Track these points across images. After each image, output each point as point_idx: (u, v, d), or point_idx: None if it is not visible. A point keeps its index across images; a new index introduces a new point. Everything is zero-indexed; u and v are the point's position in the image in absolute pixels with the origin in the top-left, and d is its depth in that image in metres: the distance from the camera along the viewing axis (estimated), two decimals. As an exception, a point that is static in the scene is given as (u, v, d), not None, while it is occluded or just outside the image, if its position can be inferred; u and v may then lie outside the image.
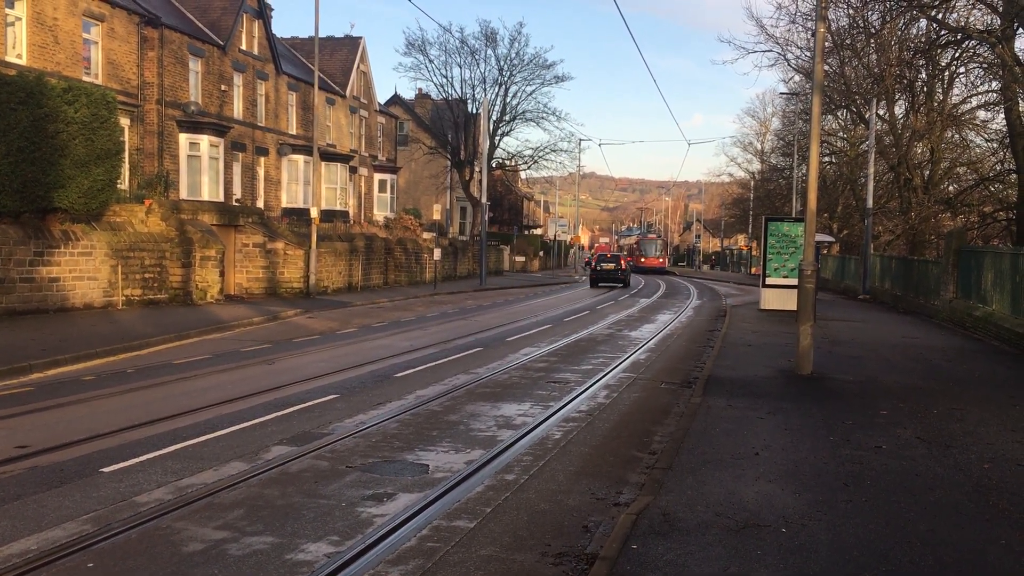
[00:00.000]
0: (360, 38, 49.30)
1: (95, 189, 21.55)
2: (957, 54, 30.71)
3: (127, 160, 27.96)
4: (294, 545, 6.43)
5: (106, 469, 8.27)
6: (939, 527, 6.71)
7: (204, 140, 31.99)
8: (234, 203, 33.59)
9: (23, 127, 19.65)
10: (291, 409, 11.21)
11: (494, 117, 56.65)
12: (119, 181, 24.11)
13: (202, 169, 32.04)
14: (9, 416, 10.56)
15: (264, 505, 7.33)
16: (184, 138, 31.62)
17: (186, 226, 25.22)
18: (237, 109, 36.28)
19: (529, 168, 63.81)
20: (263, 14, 38.10)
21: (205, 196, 31.52)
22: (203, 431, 9.86)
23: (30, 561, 5.97)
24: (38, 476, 8.02)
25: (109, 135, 22.01)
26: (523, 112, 58.81)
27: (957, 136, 37.90)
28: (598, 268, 48.10)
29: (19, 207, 20.08)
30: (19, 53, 25.06)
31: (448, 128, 58.98)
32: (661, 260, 78.75)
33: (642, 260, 76.19)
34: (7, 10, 24.55)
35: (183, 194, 31.01)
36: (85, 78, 26.96)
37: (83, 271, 21.51)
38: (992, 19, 27.40)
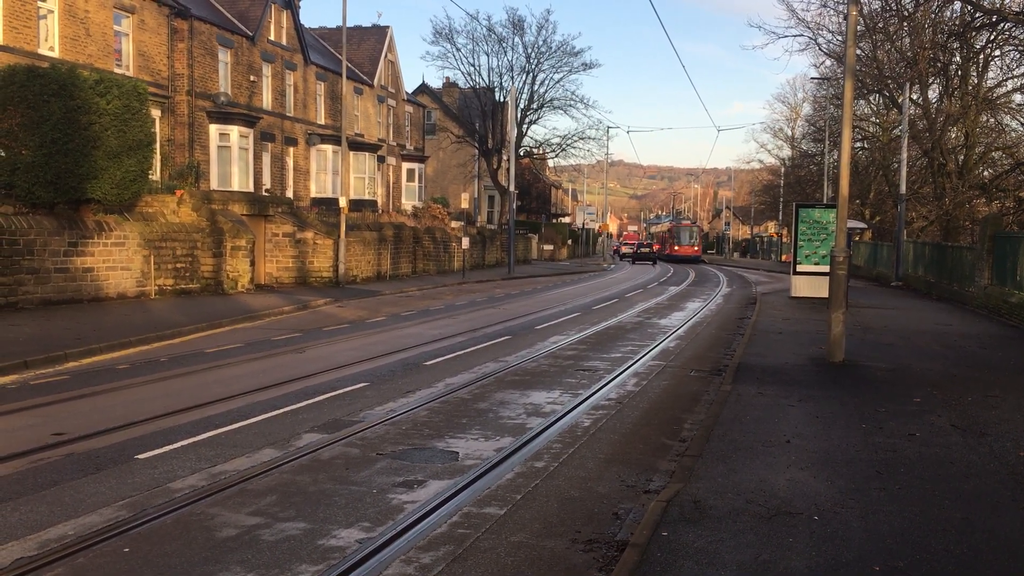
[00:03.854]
0: (387, 27, 49.39)
1: (127, 180, 21.77)
2: (992, 37, 30.22)
3: (158, 151, 28.21)
4: (326, 531, 6.48)
5: (141, 456, 8.38)
6: (974, 515, 6.63)
7: (234, 131, 32.21)
8: (264, 193, 33.82)
9: (56, 119, 19.88)
10: (322, 397, 11.29)
11: (521, 105, 56.52)
12: (150, 172, 24.36)
13: (232, 159, 32.28)
14: (46, 404, 10.73)
15: (296, 491, 7.39)
16: (214, 129, 31.85)
17: (217, 216, 25.43)
18: (266, 99, 36.49)
19: (557, 156, 63.65)
20: (291, 4, 38.25)
21: (235, 186, 31.75)
22: (235, 419, 9.96)
23: (67, 546, 6.06)
24: (74, 463, 8.14)
25: (140, 126, 22.21)
26: (551, 100, 58.63)
27: (992, 120, 37.31)
28: (638, 252, 71.32)
29: (53, 198, 20.34)
30: (51, 46, 25.35)
31: (475, 117, 58.94)
32: (696, 248, 73.72)
33: (675, 248, 72.54)
34: (39, 3, 24.82)
35: (213, 184, 31.25)
36: (116, 70, 27.23)
37: (116, 261, 21.77)
38: (1029, 0, 26.90)
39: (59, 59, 24.47)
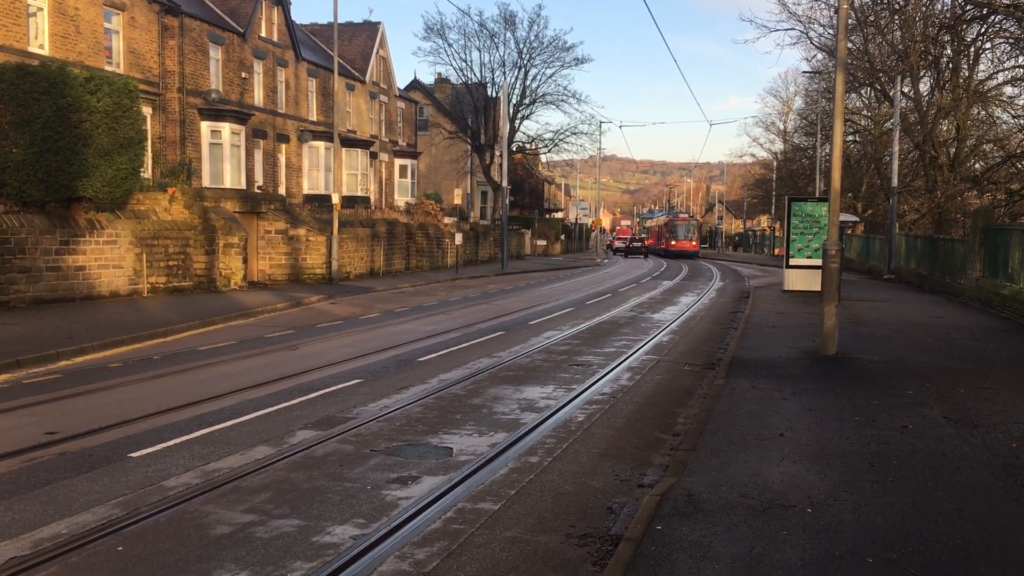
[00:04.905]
0: (379, 23, 49.28)
1: (119, 178, 21.69)
2: (983, 29, 30.26)
3: (150, 149, 28.12)
4: (320, 528, 6.48)
5: (134, 454, 8.36)
6: (967, 506, 6.66)
7: (226, 128, 32.11)
8: (256, 190, 33.73)
9: (47, 117, 19.81)
10: (315, 394, 11.28)
11: (514, 100, 56.46)
12: (142, 170, 24.26)
13: (224, 157, 32.18)
14: (38, 403, 10.70)
15: (290, 489, 7.39)
16: (206, 126, 31.75)
17: (209, 214, 25.36)
18: (258, 96, 36.38)
19: (549, 151, 63.63)
20: (282, 0, 38.12)
21: (227, 184, 31.67)
22: (229, 416, 9.95)
23: (61, 545, 6.05)
24: (67, 462, 8.12)
25: (132, 124, 22.14)
26: (543, 95, 58.59)
27: (983, 113, 37.40)
28: (630, 247, 76.26)
29: (44, 197, 20.27)
30: (41, 43, 25.23)
31: (468, 112, 58.88)
32: (693, 243, 70.65)
33: (672, 244, 70.46)
34: (29, 0, 24.70)
35: (205, 182, 31.16)
36: (107, 67, 27.12)
37: (108, 259, 21.71)
38: (1019, -7, 26.92)
39: (49, 57, 24.37)
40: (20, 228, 19.32)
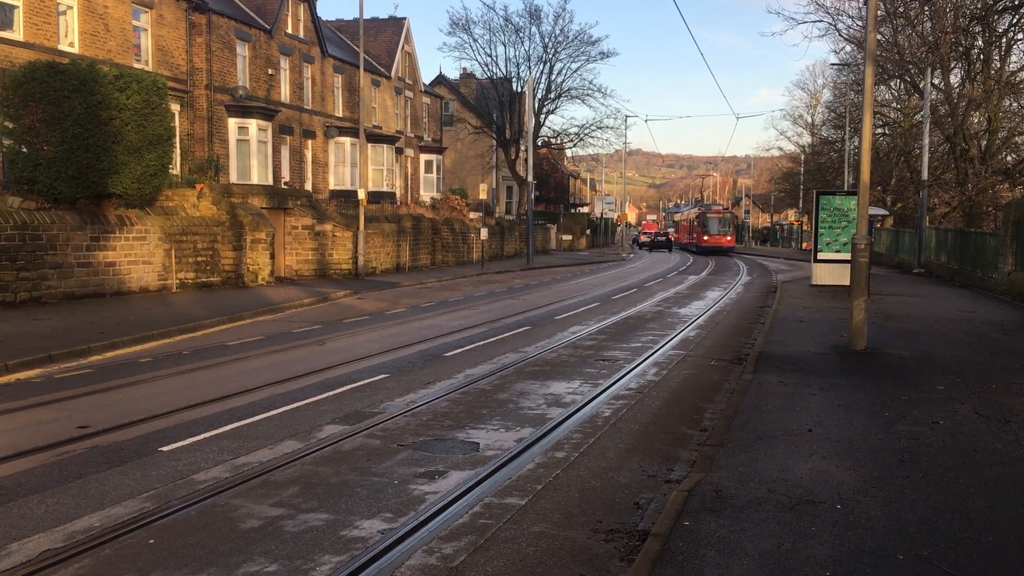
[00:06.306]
0: (404, 19, 49.37)
1: (148, 174, 21.89)
2: (1015, 20, 29.90)
3: (178, 145, 28.36)
4: (348, 522, 6.51)
5: (164, 448, 8.45)
6: (999, 503, 6.57)
7: (253, 124, 32.31)
8: (283, 186, 33.91)
9: (77, 114, 20.02)
10: (342, 389, 11.34)
11: (539, 95, 56.36)
12: (171, 166, 24.47)
13: (251, 153, 32.38)
14: (70, 398, 10.84)
15: (318, 483, 7.43)
16: (233, 122, 31.97)
17: (237, 210, 25.54)
18: (284, 93, 36.58)
19: (575, 146, 63.54)
20: (308, -3, 38.29)
21: (254, 180, 31.87)
22: (257, 411, 10.02)
23: (93, 537, 6.13)
24: (99, 455, 8.22)
25: (160, 121, 22.32)
26: (568, 89, 58.44)
27: (1015, 104, 36.90)
28: (655, 241, 78.41)
29: (75, 193, 20.50)
30: (71, 41, 25.50)
31: (493, 107, 58.84)
32: (728, 239, 66.20)
33: (705, 239, 65.91)
34: None
35: (233, 178, 31.38)
36: (136, 65, 27.37)
37: (138, 255, 21.93)
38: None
39: (79, 55, 24.62)
40: (51, 224, 19.56)
